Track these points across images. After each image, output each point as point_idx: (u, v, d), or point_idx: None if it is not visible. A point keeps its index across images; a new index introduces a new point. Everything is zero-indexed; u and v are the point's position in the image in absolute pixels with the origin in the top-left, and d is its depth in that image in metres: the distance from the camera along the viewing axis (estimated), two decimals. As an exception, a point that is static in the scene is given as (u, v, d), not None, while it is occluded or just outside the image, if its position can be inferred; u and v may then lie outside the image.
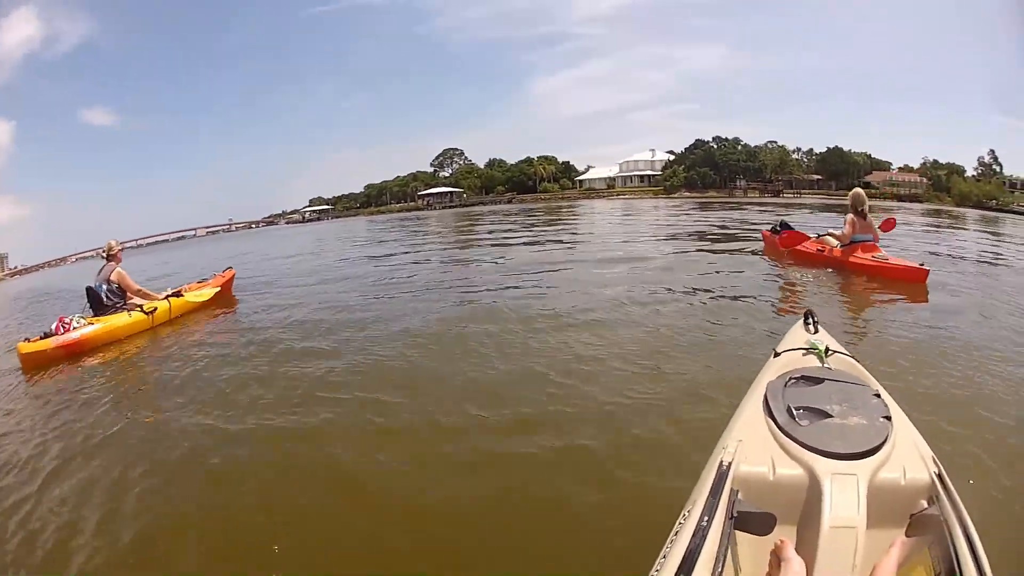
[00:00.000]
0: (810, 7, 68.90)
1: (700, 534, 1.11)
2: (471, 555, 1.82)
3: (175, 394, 3.47)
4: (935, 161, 47.47)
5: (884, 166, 45.70)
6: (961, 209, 39.95)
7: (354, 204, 56.53)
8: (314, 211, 57.87)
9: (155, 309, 5.53)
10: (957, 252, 8.67)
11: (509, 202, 49.50)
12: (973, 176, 48.73)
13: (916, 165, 47.10)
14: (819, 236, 6.38)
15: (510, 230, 15.74)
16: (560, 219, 20.38)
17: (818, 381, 1.61)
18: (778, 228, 7.20)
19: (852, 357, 1.89)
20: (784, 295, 5.11)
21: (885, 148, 65.30)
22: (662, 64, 75.33)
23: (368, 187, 56.71)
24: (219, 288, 6.57)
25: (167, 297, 5.86)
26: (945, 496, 1.23)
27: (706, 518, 1.15)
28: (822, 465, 1.27)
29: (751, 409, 1.56)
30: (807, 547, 1.16)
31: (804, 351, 1.87)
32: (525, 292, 5.64)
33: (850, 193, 5.83)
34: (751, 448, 1.37)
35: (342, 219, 50.29)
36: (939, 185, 45.84)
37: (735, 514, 1.19)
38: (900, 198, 43.90)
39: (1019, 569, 1.54)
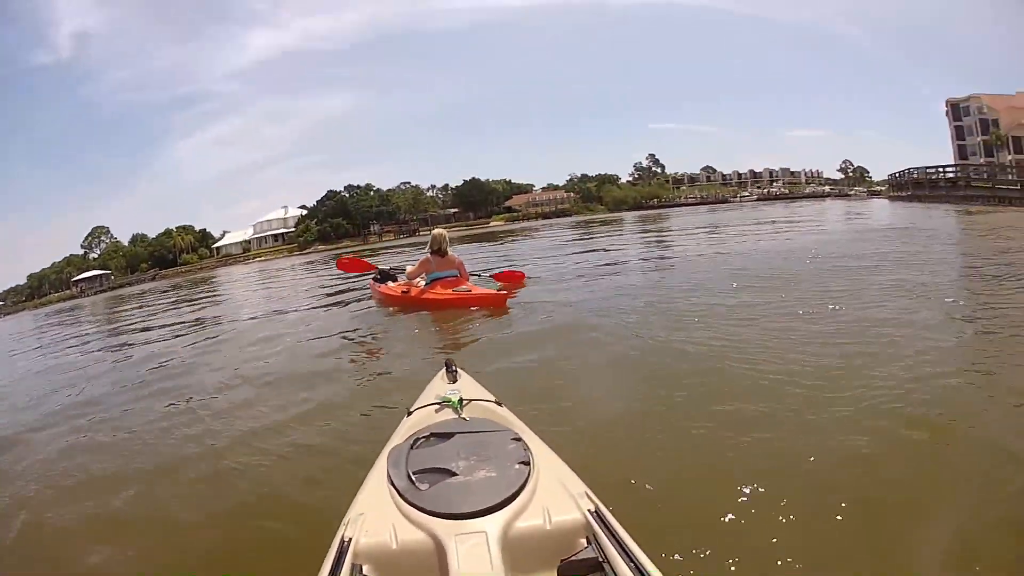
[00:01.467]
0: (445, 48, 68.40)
1: None
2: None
3: None
4: (584, 175, 47.15)
5: (526, 189, 45.20)
6: (617, 214, 39.59)
7: (21, 298, 50.33)
8: (-13, 310, 51.38)
9: None
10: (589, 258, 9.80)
11: (153, 279, 45.48)
12: (629, 181, 48.84)
13: (561, 183, 46.53)
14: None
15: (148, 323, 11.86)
16: (194, 298, 16.67)
17: (448, 436, 1.55)
18: (378, 276, 6.81)
19: (494, 402, 1.82)
20: (408, 345, 4.58)
21: (530, 173, 69.46)
22: (287, 116, 74.58)
23: (30, 278, 50.52)
24: None
25: None
26: (604, 533, 1.17)
27: None
28: (445, 528, 1.21)
29: (375, 479, 1.47)
30: None
31: (438, 405, 1.77)
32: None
33: (431, 234, 5.97)
34: (373, 521, 1.29)
35: (13, 315, 45.00)
36: (588, 196, 45.54)
37: None
38: (546, 216, 43.13)
39: None
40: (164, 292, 23.13)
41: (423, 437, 1.55)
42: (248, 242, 43.14)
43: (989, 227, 10.42)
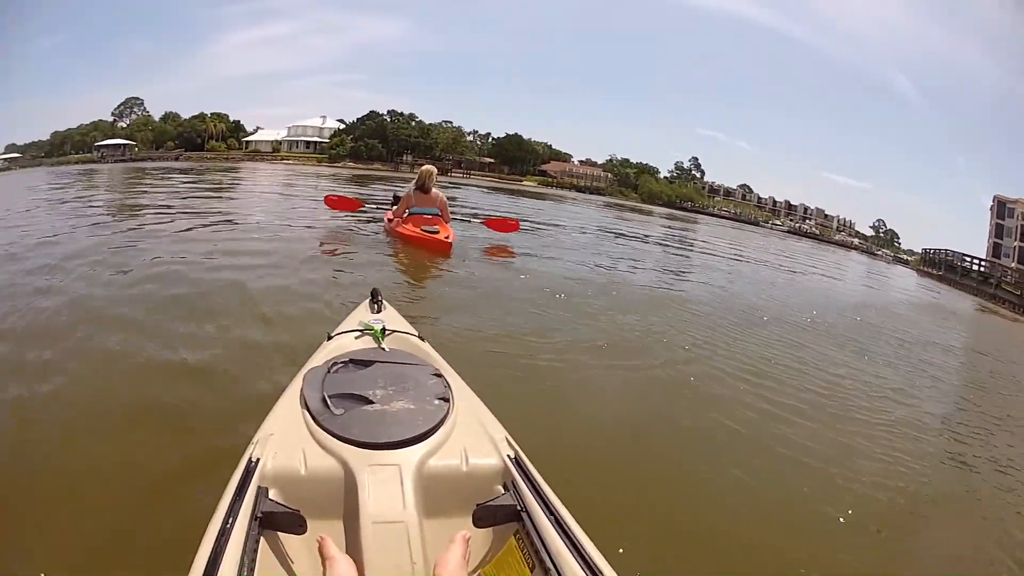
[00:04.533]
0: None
1: (223, 538, 0.95)
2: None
3: None
4: (625, 159, 46.87)
5: (564, 157, 44.66)
6: (648, 206, 39.50)
7: (40, 153, 49.83)
8: (4, 160, 50.99)
9: None
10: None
11: (176, 159, 45.09)
12: (667, 178, 48.59)
13: (600, 161, 46.20)
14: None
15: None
16: (212, 186, 16.26)
17: (367, 364, 1.48)
18: (393, 200, 6.66)
19: (417, 336, 1.78)
20: (354, 272, 4.48)
21: (569, 143, 66.36)
22: (340, 30, 71.15)
23: (54, 135, 50.04)
24: None
25: None
26: (523, 480, 1.12)
27: (230, 520, 0.99)
28: (357, 457, 1.15)
29: (287, 400, 1.38)
30: (355, 543, 1.05)
31: (359, 333, 1.73)
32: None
33: (420, 169, 5.85)
34: (283, 442, 1.22)
35: (28, 169, 44.54)
36: (625, 182, 45.23)
37: (260, 514, 1.04)
38: (579, 188, 42.83)
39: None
40: (183, 172, 23.17)
41: (342, 363, 1.48)
42: (279, 143, 42.67)
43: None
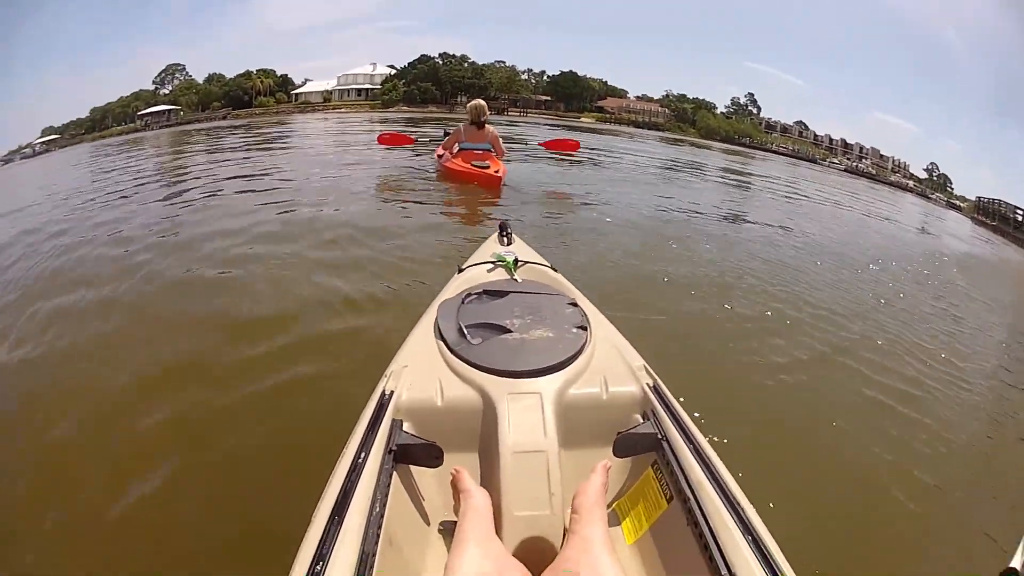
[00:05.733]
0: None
1: (355, 471, 0.95)
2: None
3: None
4: (682, 95, 45.42)
5: (620, 93, 43.29)
6: (707, 141, 38.33)
7: (80, 131, 49.18)
8: (43, 143, 50.45)
9: None
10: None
11: (224, 118, 44.40)
12: (723, 114, 47.12)
13: (657, 96, 44.76)
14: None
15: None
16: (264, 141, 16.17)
17: (502, 295, 1.48)
18: (445, 133, 6.52)
19: (550, 267, 1.78)
20: (467, 209, 4.78)
21: (626, 79, 63.45)
22: None
23: (93, 111, 49.44)
24: None
25: None
26: (663, 409, 1.11)
27: (363, 454, 0.99)
28: (496, 386, 1.13)
29: (421, 331, 1.38)
30: (492, 475, 1.04)
31: (491, 265, 1.74)
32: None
33: (470, 104, 5.75)
34: (417, 373, 1.21)
35: (68, 148, 44.03)
36: (683, 117, 43.83)
37: (394, 447, 1.03)
38: (637, 124, 41.46)
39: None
40: (234, 130, 23.35)
41: (475, 293, 1.48)
42: (330, 92, 41.79)
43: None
